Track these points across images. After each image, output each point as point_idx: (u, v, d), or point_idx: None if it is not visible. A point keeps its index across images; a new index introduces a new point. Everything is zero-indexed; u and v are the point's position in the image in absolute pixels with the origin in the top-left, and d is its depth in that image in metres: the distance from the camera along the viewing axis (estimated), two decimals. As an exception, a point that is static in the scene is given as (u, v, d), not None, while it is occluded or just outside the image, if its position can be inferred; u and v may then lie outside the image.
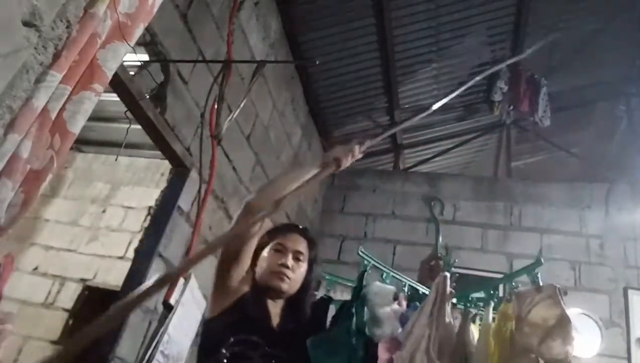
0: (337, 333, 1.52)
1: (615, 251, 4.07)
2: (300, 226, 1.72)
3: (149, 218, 4.10)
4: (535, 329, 1.40)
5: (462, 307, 1.65)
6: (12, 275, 3.35)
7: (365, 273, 1.68)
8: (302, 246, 1.61)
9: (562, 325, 1.38)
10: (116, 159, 4.28)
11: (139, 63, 2.30)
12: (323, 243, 4.35)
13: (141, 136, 2.60)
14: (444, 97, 2.19)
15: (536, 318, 1.41)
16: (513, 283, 1.62)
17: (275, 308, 1.56)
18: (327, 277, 1.97)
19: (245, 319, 1.45)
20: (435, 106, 2.03)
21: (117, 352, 2.25)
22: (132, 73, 2.25)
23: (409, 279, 1.77)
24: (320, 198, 4.83)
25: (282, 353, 1.43)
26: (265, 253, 1.59)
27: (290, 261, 1.56)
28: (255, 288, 1.55)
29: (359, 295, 1.61)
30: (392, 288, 1.66)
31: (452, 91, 4.37)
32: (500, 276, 1.79)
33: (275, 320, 1.54)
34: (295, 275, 1.57)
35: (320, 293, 1.89)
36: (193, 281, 2.69)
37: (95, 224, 4.49)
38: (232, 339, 1.40)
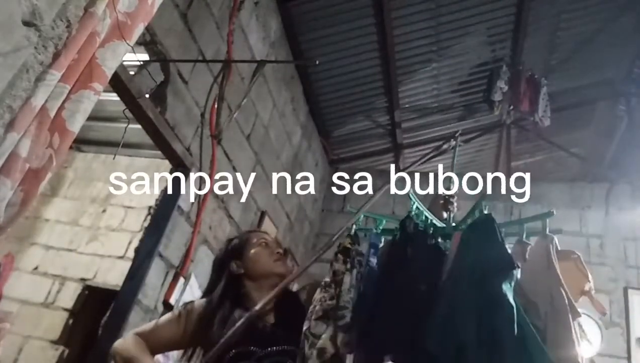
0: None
1: (615, 251, 4.07)
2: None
3: (149, 217, 4.10)
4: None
5: None
6: (12, 275, 3.36)
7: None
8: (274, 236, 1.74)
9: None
10: (114, 158, 4.28)
11: (139, 63, 2.30)
12: (323, 243, 4.33)
13: (141, 136, 2.60)
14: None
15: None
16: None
17: (266, 307, 1.56)
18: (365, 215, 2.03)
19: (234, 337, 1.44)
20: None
21: (117, 352, 2.25)
22: (132, 73, 2.25)
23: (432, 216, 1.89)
24: (320, 198, 4.83)
25: (284, 345, 1.43)
26: (253, 250, 1.65)
27: (281, 249, 1.72)
28: (256, 280, 1.60)
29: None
30: None
31: (452, 91, 4.42)
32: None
33: (268, 317, 1.54)
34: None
35: None
36: (193, 281, 2.69)
37: (95, 224, 4.50)
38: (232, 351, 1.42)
